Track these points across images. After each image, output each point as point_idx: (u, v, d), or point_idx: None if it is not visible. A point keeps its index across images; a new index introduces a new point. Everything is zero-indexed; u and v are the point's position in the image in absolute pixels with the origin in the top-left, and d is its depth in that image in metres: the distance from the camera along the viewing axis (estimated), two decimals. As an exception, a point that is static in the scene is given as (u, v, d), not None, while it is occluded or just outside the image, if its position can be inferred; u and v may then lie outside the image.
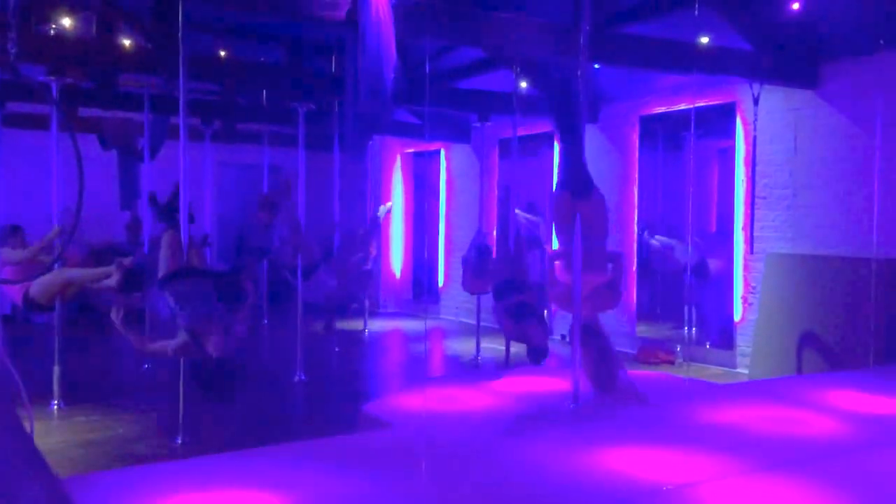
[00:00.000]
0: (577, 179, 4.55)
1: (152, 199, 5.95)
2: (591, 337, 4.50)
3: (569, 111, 4.64)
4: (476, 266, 7.88)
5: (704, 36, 6.58)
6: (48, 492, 2.32)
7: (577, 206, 4.43)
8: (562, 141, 4.80)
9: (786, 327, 6.95)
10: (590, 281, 4.46)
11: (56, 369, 6.02)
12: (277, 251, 8.41)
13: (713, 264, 8.54)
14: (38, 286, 5.80)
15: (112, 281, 5.74)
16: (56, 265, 5.87)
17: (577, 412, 4.33)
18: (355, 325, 10.30)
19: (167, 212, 5.19)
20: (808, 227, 7.14)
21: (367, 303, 10.38)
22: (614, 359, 4.64)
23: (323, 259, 8.53)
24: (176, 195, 5.13)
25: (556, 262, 4.68)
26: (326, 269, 8.58)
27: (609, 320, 9.05)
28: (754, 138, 7.47)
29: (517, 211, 8.20)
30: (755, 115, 7.35)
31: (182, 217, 4.92)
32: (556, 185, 4.71)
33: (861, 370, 5.96)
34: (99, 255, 7.54)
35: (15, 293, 6.03)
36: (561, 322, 7.20)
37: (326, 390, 7.19)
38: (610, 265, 4.67)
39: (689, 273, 8.36)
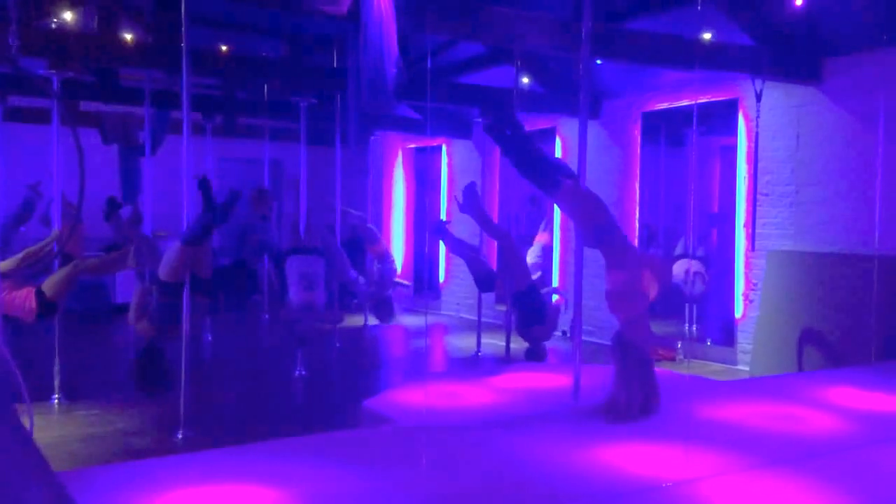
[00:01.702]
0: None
1: (204, 184, 5.14)
2: (630, 349, 4.05)
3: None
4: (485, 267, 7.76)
5: (707, 32, 6.57)
6: (48, 492, 2.31)
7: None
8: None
9: (787, 324, 6.94)
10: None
11: (56, 363, 6.02)
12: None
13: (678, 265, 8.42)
14: (53, 285, 5.55)
15: (131, 262, 5.77)
16: (56, 262, 5.83)
17: (578, 408, 4.33)
18: (356, 320, 10.30)
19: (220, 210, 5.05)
20: (810, 224, 7.13)
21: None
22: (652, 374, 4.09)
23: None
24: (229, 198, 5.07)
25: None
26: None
27: (609, 317, 9.12)
28: (756, 135, 7.45)
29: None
30: (758, 111, 7.33)
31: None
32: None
33: (862, 367, 5.95)
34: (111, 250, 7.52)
35: (18, 304, 5.45)
36: (561, 319, 7.18)
37: (327, 386, 7.19)
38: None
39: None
